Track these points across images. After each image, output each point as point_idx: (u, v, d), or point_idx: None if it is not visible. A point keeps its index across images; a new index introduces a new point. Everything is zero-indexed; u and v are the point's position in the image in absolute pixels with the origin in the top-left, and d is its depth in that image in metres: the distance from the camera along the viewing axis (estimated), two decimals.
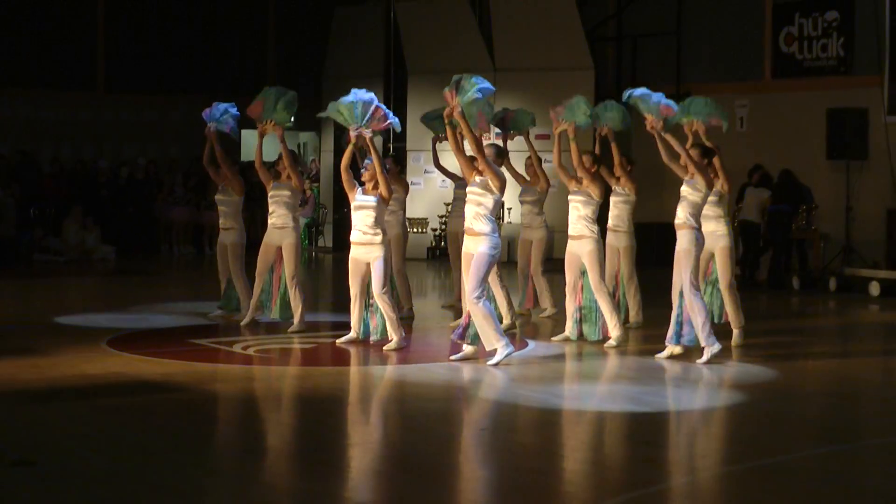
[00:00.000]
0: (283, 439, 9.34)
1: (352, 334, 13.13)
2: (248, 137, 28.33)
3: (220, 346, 13.15)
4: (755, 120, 23.04)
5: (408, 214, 15.82)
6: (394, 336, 12.85)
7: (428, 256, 24.83)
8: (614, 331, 13.27)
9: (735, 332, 13.42)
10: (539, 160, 15.25)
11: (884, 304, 17.97)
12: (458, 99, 12.18)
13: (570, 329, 13.59)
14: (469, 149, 12.15)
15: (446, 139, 12.91)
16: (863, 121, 20.40)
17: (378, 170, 13.00)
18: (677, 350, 12.47)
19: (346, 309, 13.57)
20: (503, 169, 12.38)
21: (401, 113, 25.44)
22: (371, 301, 13.10)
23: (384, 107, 13.43)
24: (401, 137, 25.29)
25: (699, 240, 12.34)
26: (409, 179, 19.66)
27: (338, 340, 13.15)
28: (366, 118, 13.13)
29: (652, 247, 18.54)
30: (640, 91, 12.99)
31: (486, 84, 12.24)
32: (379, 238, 12.90)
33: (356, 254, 13.07)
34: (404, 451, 8.85)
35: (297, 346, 13.43)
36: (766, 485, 7.90)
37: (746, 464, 8.47)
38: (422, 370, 12.08)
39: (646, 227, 23.67)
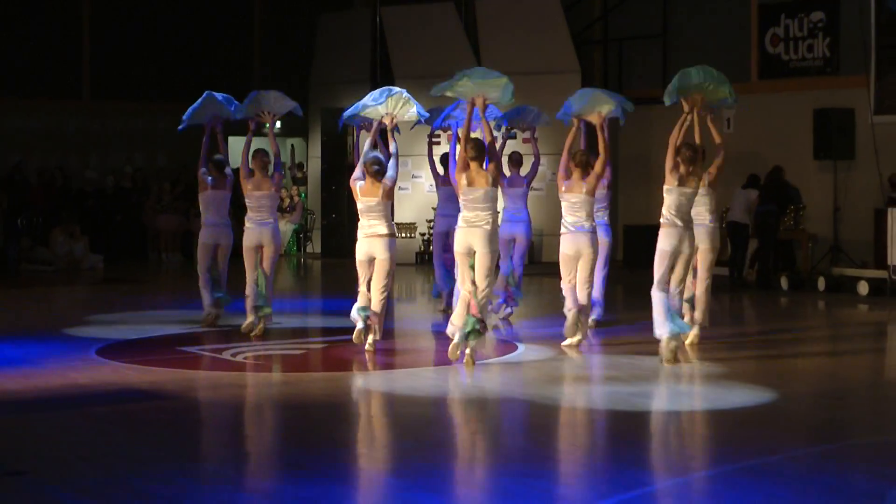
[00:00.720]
0: (273, 446, 9.33)
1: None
2: (235, 144, 28.40)
3: (210, 354, 13.13)
4: (742, 121, 23.06)
5: (396, 219, 15.80)
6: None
7: (416, 261, 24.81)
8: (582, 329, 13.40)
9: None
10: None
11: (872, 304, 18.00)
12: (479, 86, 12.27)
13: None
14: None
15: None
16: (849, 121, 20.45)
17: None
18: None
19: (333, 313, 13.53)
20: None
21: None
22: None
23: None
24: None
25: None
26: (397, 184, 19.61)
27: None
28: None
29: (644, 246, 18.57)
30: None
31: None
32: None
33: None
34: (395, 456, 8.84)
35: (286, 353, 13.41)
36: (755, 485, 7.91)
37: (736, 464, 8.47)
38: (410, 375, 12.07)
39: (636, 229, 23.84)
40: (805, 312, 17.62)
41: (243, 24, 28.81)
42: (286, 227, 26.75)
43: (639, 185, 24.34)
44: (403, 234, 24.45)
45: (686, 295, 13.13)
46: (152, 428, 9.61)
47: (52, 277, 22.21)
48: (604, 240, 14.46)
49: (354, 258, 12.90)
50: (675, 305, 12.63)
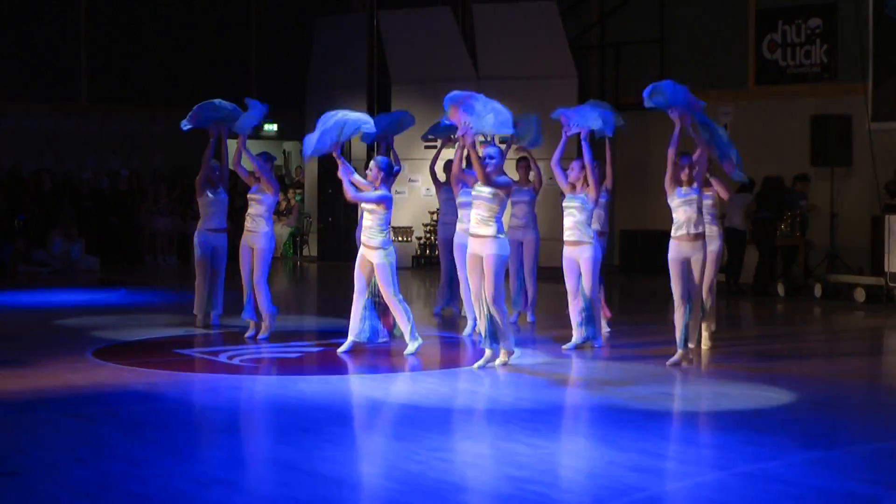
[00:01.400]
0: (269, 449, 9.31)
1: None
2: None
3: (206, 356, 13.12)
4: (739, 127, 23.06)
5: (392, 223, 15.71)
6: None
7: (413, 265, 24.80)
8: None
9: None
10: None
11: (868, 311, 18.00)
12: (471, 121, 12.22)
13: (577, 336, 13.62)
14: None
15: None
16: (846, 128, 20.45)
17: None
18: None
19: (331, 315, 13.51)
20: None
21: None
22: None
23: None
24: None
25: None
26: (394, 188, 19.59)
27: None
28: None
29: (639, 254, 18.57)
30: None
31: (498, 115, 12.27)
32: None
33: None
34: (393, 461, 8.83)
35: (282, 356, 13.39)
36: (750, 491, 7.90)
37: (731, 470, 8.46)
38: (412, 378, 12.07)
39: (630, 234, 23.86)
40: (801, 319, 17.61)
41: (240, 28, 28.81)
42: (282, 230, 26.75)
43: (635, 190, 24.33)
44: (400, 238, 24.45)
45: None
46: (148, 430, 9.59)
47: (49, 279, 22.19)
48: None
49: (351, 261, 13.00)
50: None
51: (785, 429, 10.00)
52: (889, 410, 11.04)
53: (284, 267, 25.80)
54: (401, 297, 13.10)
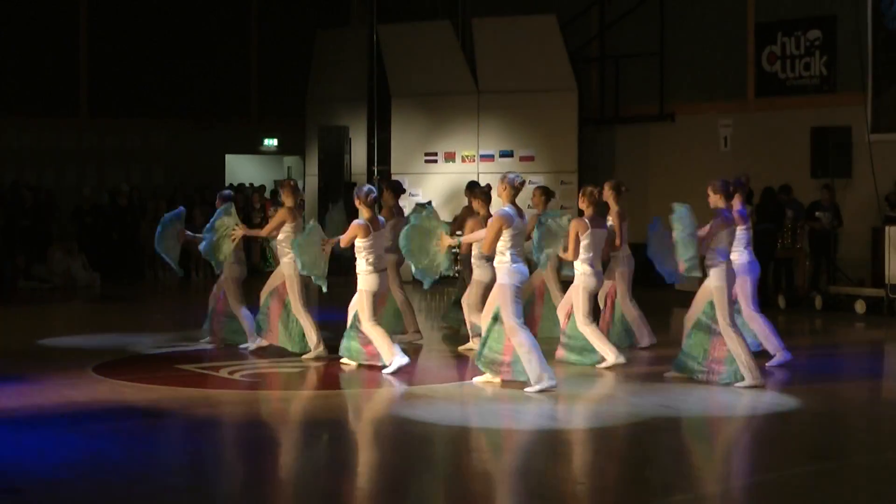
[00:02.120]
0: (269, 463, 9.30)
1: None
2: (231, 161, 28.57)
3: (207, 372, 13.12)
4: (739, 139, 23.09)
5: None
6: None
7: (413, 279, 24.76)
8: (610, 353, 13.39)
9: None
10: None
11: (869, 322, 17.99)
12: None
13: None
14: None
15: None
16: (846, 139, 20.43)
17: None
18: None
19: (331, 332, 13.50)
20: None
21: (384, 136, 25.47)
22: None
23: None
24: (385, 160, 25.32)
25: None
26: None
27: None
28: None
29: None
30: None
31: None
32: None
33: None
34: (395, 476, 8.82)
35: (283, 371, 13.39)
36: (756, 503, 7.89)
37: (736, 482, 8.45)
38: (408, 393, 12.07)
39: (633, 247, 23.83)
40: (802, 330, 17.60)
41: (240, 41, 28.82)
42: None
43: (635, 203, 24.31)
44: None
45: None
46: (148, 445, 9.59)
47: (49, 294, 22.18)
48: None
49: (350, 276, 13.07)
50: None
51: (787, 440, 10.00)
52: (890, 423, 11.03)
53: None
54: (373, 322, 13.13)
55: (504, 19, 24.69)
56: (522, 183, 12.16)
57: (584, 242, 13.16)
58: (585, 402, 11.88)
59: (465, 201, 15.91)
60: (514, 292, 11.86)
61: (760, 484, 8.42)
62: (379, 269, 13.12)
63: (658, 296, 18.98)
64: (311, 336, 13.96)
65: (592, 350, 13.39)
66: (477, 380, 12.27)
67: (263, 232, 14.47)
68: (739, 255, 13.15)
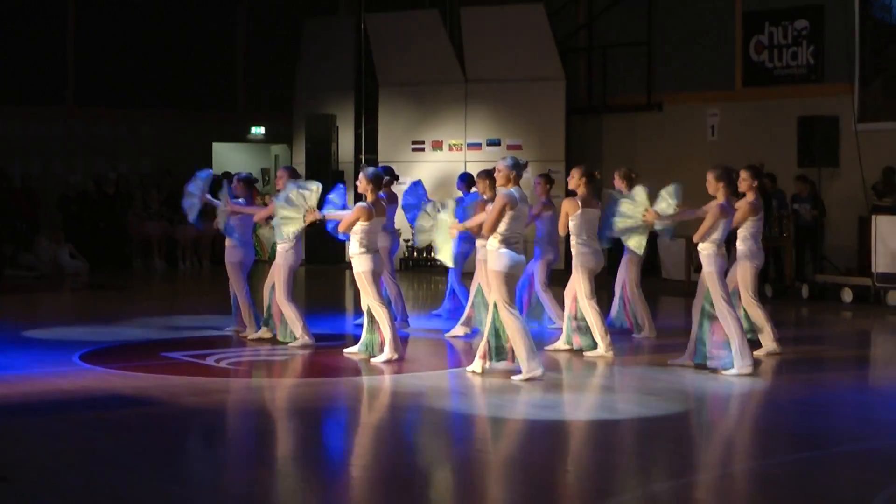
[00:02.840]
0: (257, 452, 9.30)
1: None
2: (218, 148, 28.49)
3: (193, 360, 13.10)
4: (726, 129, 23.12)
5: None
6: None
7: (400, 267, 24.78)
8: (602, 342, 13.36)
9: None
10: None
11: (856, 311, 18.03)
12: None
13: (564, 338, 13.69)
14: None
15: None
16: (833, 128, 20.45)
17: None
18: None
19: (317, 320, 13.49)
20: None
21: (372, 125, 25.46)
22: None
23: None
24: (372, 149, 25.31)
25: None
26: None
27: None
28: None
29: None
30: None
31: None
32: None
33: None
34: (380, 464, 8.82)
35: (270, 359, 13.38)
36: (741, 492, 7.90)
37: (721, 471, 8.46)
38: (395, 381, 12.07)
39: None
40: (789, 320, 17.62)
41: (228, 30, 28.74)
42: (269, 233, 26.65)
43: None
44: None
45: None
46: (135, 434, 9.58)
47: (36, 283, 22.14)
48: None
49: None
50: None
51: (773, 430, 10.01)
52: (877, 412, 11.05)
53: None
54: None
55: (492, 8, 24.69)
56: (525, 165, 12.11)
57: (573, 223, 13.23)
58: (572, 392, 11.90)
59: (453, 190, 15.87)
60: (505, 279, 11.81)
61: (748, 472, 8.43)
62: (372, 250, 13.06)
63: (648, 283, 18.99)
64: (296, 326, 13.96)
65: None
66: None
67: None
68: (743, 242, 13.13)
